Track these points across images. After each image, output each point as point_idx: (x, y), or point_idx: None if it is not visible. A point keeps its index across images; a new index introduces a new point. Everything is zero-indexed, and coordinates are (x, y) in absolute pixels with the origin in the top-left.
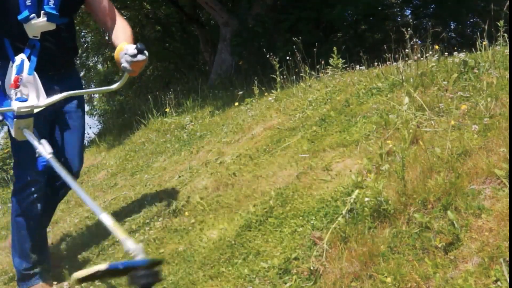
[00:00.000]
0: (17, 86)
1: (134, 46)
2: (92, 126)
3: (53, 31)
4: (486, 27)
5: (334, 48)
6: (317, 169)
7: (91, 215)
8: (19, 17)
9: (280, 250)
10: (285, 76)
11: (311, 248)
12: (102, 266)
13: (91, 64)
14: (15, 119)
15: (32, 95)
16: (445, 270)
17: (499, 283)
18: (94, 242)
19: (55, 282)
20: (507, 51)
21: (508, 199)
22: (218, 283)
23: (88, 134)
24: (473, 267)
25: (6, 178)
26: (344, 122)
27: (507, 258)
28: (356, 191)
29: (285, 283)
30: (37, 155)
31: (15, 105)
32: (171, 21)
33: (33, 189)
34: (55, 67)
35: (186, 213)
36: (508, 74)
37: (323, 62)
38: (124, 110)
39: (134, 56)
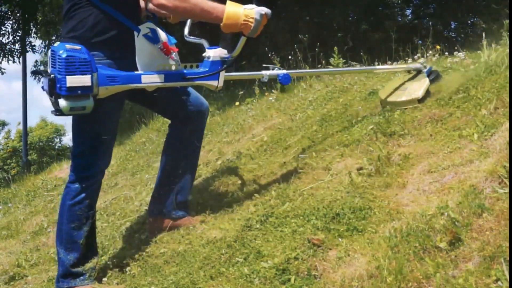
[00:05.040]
0: (169, 52)
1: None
2: None
3: None
4: (485, 26)
5: (335, 47)
6: (318, 169)
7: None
8: None
9: (281, 250)
10: None
11: (312, 248)
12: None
13: None
14: (225, 66)
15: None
16: (446, 269)
17: (499, 282)
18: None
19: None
20: (508, 49)
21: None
22: (218, 282)
23: None
24: (474, 266)
25: (7, 178)
26: (344, 121)
27: (508, 258)
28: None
29: (285, 283)
30: (266, 79)
31: (222, 52)
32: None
33: (99, 177)
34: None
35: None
36: (508, 74)
37: (324, 61)
38: (124, 110)
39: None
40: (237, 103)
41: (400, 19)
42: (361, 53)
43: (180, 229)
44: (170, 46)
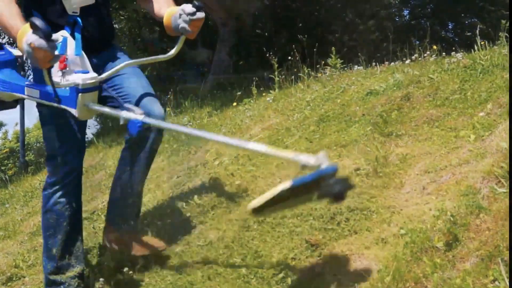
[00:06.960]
0: (65, 67)
1: (191, 4)
2: (90, 126)
3: (92, 6)
4: (480, 26)
5: (333, 48)
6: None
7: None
8: None
9: (278, 250)
10: (283, 76)
11: (309, 248)
12: (285, 184)
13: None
14: (80, 94)
15: None
16: (443, 269)
17: (497, 282)
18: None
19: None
20: (504, 50)
21: (508, 199)
22: (216, 283)
23: (86, 134)
24: (471, 266)
25: (4, 178)
26: (342, 122)
27: (505, 258)
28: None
29: (283, 283)
30: (122, 122)
31: (79, 78)
32: None
33: (67, 182)
34: (95, 47)
35: (185, 214)
36: (508, 74)
37: (323, 62)
38: None
39: (193, 14)
40: (234, 104)
41: (397, 19)
42: (359, 54)
43: (179, 229)
44: (65, 62)
